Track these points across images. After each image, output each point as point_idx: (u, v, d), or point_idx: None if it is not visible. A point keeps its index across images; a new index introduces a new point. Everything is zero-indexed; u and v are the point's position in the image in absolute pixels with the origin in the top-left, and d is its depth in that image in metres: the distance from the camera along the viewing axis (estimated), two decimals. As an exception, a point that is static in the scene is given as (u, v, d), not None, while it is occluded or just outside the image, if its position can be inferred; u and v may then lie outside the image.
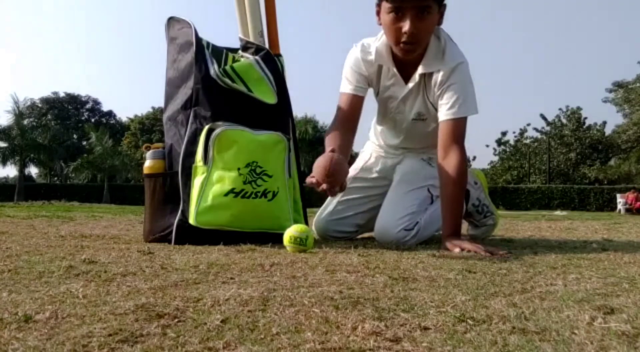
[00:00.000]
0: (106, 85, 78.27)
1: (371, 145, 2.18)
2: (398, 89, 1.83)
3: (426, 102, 1.81)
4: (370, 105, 1.98)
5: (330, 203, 2.06)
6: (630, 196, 18.81)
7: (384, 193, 1.99)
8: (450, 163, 1.66)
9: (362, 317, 0.68)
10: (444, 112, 1.72)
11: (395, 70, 1.79)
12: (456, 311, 0.72)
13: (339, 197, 2.06)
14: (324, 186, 1.39)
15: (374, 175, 2.10)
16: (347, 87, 1.82)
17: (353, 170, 2.13)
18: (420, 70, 1.75)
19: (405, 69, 1.79)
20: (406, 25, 1.60)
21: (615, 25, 65.31)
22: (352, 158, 2.05)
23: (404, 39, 1.64)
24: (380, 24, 1.70)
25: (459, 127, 1.70)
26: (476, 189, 2.11)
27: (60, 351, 0.54)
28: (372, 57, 1.78)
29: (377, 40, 1.78)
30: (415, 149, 2.03)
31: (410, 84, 1.79)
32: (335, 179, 1.39)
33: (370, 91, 1.91)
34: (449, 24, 1.75)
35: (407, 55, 1.71)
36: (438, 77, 1.73)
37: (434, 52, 1.73)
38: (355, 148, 2.09)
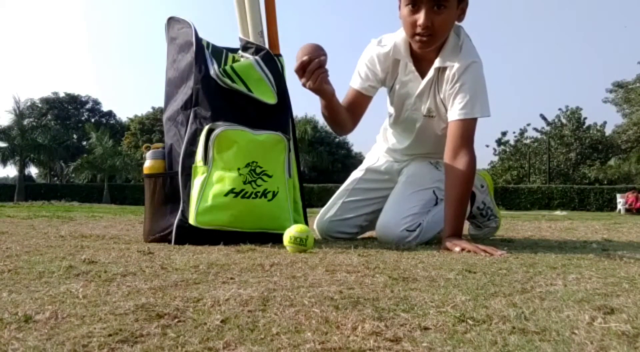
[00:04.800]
0: (106, 85, 78.33)
1: (379, 148, 2.17)
2: (414, 84, 1.82)
3: (436, 99, 1.80)
4: (379, 109, 2.00)
5: (334, 204, 2.06)
6: (630, 196, 18.78)
7: (387, 196, 1.97)
8: (458, 165, 1.65)
9: (362, 317, 0.67)
10: (455, 112, 1.69)
11: (412, 66, 1.79)
12: (456, 311, 0.72)
13: (343, 198, 2.06)
14: (305, 59, 1.58)
15: (380, 177, 2.09)
16: (356, 82, 1.86)
17: (359, 171, 2.14)
18: (436, 63, 1.74)
19: (422, 65, 1.79)
20: (421, 18, 1.62)
21: (615, 25, 65.31)
22: (358, 160, 2.09)
23: (418, 31, 1.64)
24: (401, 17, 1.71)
25: (468, 128, 1.68)
26: (482, 192, 2.11)
27: (60, 351, 0.54)
28: (388, 49, 1.79)
29: (397, 35, 1.78)
30: (424, 154, 2.01)
31: (426, 79, 1.78)
32: (321, 55, 1.61)
33: (381, 94, 1.92)
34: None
35: (423, 48, 1.70)
36: (450, 73, 1.71)
37: (452, 48, 1.72)
38: (357, 149, 2.11)
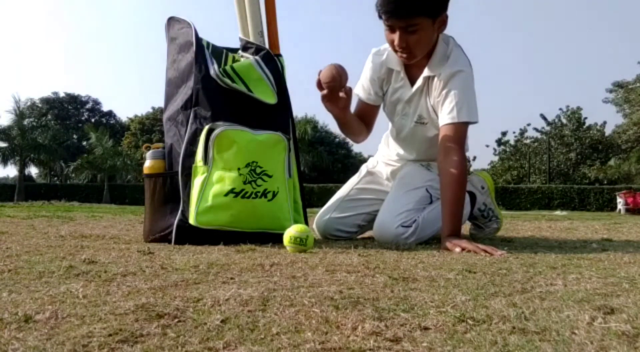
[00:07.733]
0: (106, 85, 78.35)
1: (379, 153, 2.26)
2: (405, 91, 1.90)
3: (427, 106, 1.87)
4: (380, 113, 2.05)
5: (333, 204, 2.11)
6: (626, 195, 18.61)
7: (385, 198, 2.01)
8: (449, 166, 1.70)
9: (362, 317, 0.68)
10: (443, 117, 1.77)
11: (403, 73, 1.88)
12: (456, 311, 0.72)
13: (342, 198, 2.11)
14: (330, 83, 1.70)
15: (378, 179, 2.17)
16: (360, 92, 1.99)
17: (359, 174, 2.22)
18: (425, 72, 1.82)
19: (413, 72, 1.88)
20: (396, 39, 1.72)
21: (615, 25, 65.33)
22: (358, 160, 2.17)
23: (396, 48, 1.75)
24: None
25: (457, 132, 1.74)
26: (482, 194, 2.15)
27: (60, 351, 0.54)
28: (383, 58, 1.90)
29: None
30: (418, 159, 2.07)
31: (415, 86, 1.86)
32: (342, 77, 1.71)
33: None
34: (450, 23, 1.76)
35: (407, 62, 1.82)
36: (438, 81, 1.79)
37: (440, 57, 1.80)
38: (357, 149, 2.17)
